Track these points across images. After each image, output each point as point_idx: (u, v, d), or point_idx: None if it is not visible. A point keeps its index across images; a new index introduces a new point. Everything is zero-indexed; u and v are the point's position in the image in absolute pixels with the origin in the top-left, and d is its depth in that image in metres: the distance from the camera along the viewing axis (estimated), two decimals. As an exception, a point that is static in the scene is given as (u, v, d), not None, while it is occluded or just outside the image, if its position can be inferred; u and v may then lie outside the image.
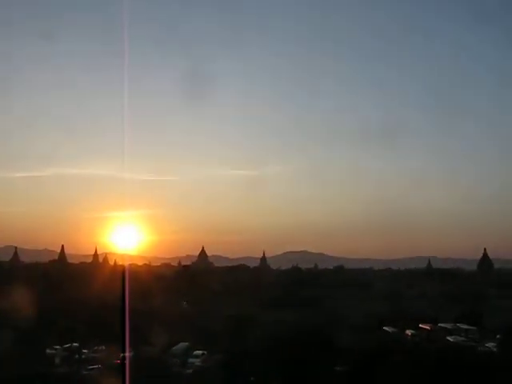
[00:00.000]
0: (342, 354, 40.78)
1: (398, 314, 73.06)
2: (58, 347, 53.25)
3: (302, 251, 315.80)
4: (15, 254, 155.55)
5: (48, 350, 51.00)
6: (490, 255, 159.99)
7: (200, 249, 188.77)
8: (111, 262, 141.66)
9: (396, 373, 33.93)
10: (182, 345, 56.35)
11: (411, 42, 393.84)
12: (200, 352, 54.03)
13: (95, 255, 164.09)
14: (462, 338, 61.71)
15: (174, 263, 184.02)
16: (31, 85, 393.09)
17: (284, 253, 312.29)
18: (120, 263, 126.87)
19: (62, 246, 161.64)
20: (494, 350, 52.96)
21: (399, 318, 69.95)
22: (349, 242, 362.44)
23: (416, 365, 34.87)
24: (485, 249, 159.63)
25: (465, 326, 68.13)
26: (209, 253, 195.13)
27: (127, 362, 36.71)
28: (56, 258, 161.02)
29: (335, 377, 36.89)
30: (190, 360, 51.30)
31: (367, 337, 51.85)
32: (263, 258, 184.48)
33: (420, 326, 68.25)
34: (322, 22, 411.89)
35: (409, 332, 65.19)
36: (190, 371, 45.01)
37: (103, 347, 52.71)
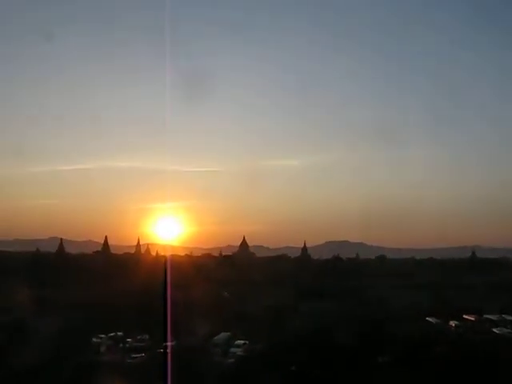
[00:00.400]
0: (384, 344, 40.46)
1: (441, 305, 72.06)
2: (103, 336, 54.28)
3: (343, 241, 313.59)
4: (61, 245, 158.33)
5: (94, 339, 52.01)
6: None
7: (241, 239, 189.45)
8: (153, 253, 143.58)
9: (439, 364, 33.53)
10: (224, 334, 56.74)
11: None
12: (241, 342, 54.32)
13: (138, 246, 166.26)
14: (508, 330, 60.50)
15: (215, 253, 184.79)
16: (79, 82, 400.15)
17: (325, 243, 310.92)
18: (162, 254, 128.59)
19: (106, 237, 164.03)
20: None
21: (443, 309, 68.98)
22: (390, 231, 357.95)
23: (460, 356, 34.38)
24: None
25: (511, 318, 66.79)
26: (250, 243, 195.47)
27: (169, 351, 37.24)
28: (100, 249, 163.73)
29: (377, 367, 36.62)
30: (232, 349, 51.62)
31: (410, 327, 51.32)
32: (304, 248, 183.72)
33: (464, 317, 67.21)
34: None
35: (453, 323, 64.22)
36: (232, 360, 45.29)
37: (147, 336, 53.59)
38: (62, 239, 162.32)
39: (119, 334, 55.41)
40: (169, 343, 41.13)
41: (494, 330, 60.38)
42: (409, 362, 35.14)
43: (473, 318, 66.62)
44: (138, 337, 55.29)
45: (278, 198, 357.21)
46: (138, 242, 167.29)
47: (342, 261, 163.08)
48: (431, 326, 62.64)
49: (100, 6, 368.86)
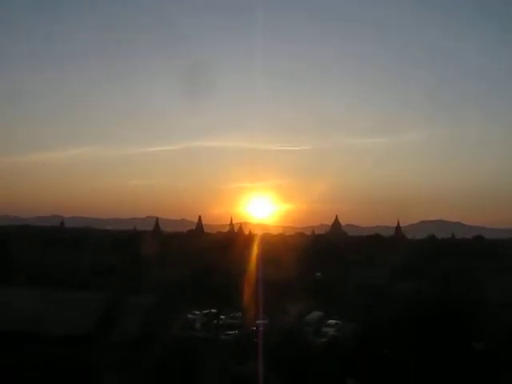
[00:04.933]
0: (480, 329, 39.11)
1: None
2: (197, 313, 55.79)
3: (437, 220, 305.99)
4: (156, 224, 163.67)
5: (189, 315, 53.57)
6: None
7: (334, 218, 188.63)
8: (246, 232, 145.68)
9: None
10: (316, 314, 56.86)
11: None
12: (334, 321, 54.32)
13: (231, 225, 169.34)
14: None
15: (308, 232, 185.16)
16: (164, 72, 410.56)
17: (419, 222, 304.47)
18: (255, 233, 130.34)
19: (200, 216, 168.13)
20: None
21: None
22: (488, 210, 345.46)
23: None
24: None
25: None
26: (342, 222, 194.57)
27: (261, 328, 37.72)
28: (193, 227, 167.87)
29: (472, 353, 35.49)
30: (324, 329, 51.75)
31: (509, 313, 49.25)
32: (398, 227, 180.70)
33: None
34: None
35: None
36: (324, 340, 45.35)
37: (239, 314, 54.59)
38: (157, 218, 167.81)
39: (213, 311, 56.79)
40: (261, 321, 41.74)
41: None
42: (505, 349, 33.84)
43: None
44: (231, 314, 56.48)
45: (370, 177, 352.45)
46: (231, 221, 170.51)
47: (437, 240, 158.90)
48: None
49: None
